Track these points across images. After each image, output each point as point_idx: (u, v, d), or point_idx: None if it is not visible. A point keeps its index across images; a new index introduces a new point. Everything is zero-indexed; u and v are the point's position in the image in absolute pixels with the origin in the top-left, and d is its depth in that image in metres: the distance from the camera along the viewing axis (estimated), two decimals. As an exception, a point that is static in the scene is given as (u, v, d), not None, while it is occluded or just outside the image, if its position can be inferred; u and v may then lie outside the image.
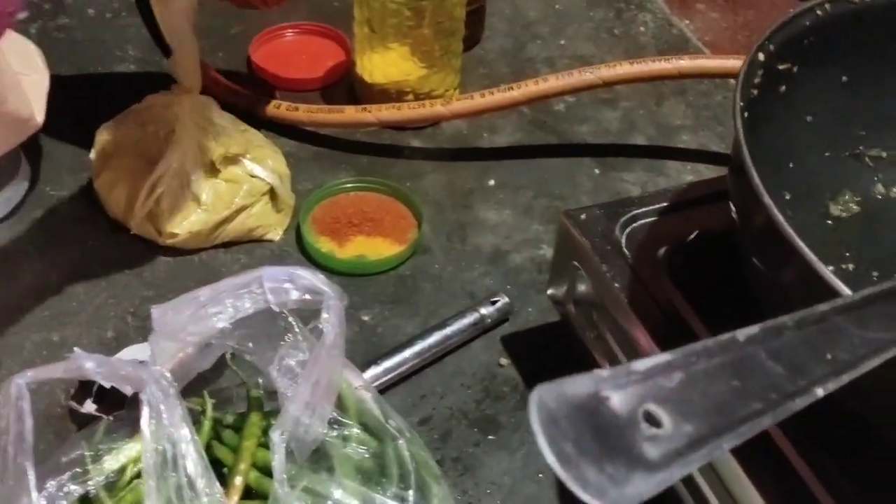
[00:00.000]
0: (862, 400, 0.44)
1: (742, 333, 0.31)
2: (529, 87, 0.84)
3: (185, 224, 0.75)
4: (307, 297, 0.53)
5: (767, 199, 0.43)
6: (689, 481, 0.53)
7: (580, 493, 0.23)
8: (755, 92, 0.53)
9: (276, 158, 0.80)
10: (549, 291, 0.69)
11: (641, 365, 0.28)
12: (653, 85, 0.96)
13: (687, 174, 0.88)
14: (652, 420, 0.27)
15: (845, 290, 0.40)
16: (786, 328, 0.33)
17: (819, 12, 0.56)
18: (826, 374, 0.32)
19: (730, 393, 0.29)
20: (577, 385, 0.26)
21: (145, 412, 0.48)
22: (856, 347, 0.34)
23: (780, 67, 0.56)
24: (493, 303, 0.72)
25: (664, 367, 0.28)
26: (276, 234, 0.79)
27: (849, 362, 0.33)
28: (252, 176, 0.77)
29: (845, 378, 0.32)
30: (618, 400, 0.26)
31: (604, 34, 1.04)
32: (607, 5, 1.08)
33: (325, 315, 0.52)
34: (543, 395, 0.25)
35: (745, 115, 0.50)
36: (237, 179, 0.76)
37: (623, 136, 0.92)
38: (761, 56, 0.53)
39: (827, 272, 0.40)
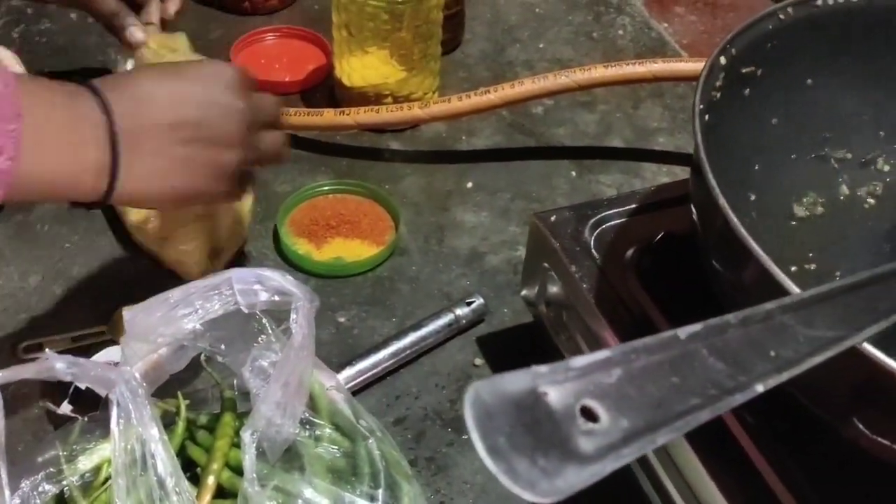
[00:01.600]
0: (811, 397, 0.45)
1: (684, 331, 0.32)
2: (506, 91, 0.85)
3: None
4: (276, 298, 0.54)
5: (722, 201, 0.44)
6: (649, 471, 0.54)
7: (510, 485, 0.24)
8: (717, 95, 0.54)
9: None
10: (523, 293, 0.69)
11: (580, 361, 0.29)
12: (630, 88, 0.97)
13: (663, 176, 0.89)
14: (589, 415, 0.27)
15: (795, 290, 0.40)
16: (729, 326, 0.34)
17: (781, 16, 0.57)
18: (768, 370, 0.33)
19: (668, 389, 0.30)
20: (515, 381, 0.27)
21: (114, 412, 0.48)
22: (800, 345, 0.35)
23: (744, 71, 0.57)
24: (469, 304, 0.73)
25: (603, 364, 0.29)
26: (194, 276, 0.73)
27: (791, 360, 0.34)
28: None
29: (786, 375, 0.33)
30: (555, 395, 0.27)
31: (582, 37, 1.05)
32: (586, 9, 1.09)
33: (293, 316, 0.53)
34: (480, 391, 0.26)
35: (707, 117, 0.51)
36: None
37: (600, 139, 0.93)
38: (723, 60, 0.54)
39: (778, 272, 0.41)
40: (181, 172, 0.56)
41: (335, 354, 0.70)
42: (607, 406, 0.28)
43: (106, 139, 0.52)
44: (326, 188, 0.83)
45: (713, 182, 0.45)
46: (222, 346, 0.56)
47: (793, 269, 0.59)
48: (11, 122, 0.46)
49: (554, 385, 0.27)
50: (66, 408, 0.62)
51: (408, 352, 0.70)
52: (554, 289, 0.64)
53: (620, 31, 1.07)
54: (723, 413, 0.30)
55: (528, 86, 0.84)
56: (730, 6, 1.13)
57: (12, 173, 0.47)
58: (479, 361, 0.72)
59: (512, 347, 0.73)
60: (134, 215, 0.75)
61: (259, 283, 0.52)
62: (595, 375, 0.28)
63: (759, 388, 0.32)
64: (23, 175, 0.48)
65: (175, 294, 0.52)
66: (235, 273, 0.52)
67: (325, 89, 0.95)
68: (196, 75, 0.58)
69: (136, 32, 0.73)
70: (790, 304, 0.37)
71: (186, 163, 0.56)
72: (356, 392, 0.67)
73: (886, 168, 0.65)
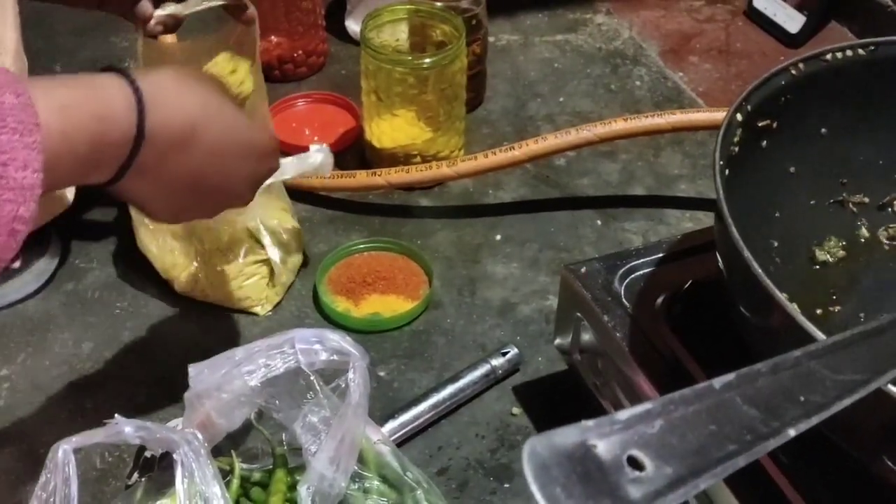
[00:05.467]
0: (841, 436, 0.47)
1: (718, 381, 0.35)
2: (530, 146, 0.88)
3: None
4: (335, 357, 0.57)
5: (747, 254, 0.47)
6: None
7: (569, 531, 0.27)
8: (736, 149, 0.57)
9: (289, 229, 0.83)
10: (557, 341, 0.72)
11: (624, 414, 0.31)
12: (650, 137, 1.00)
13: (686, 221, 0.92)
14: (635, 464, 0.30)
15: (820, 336, 0.43)
16: (760, 374, 0.36)
17: (793, 72, 0.60)
18: (798, 415, 0.35)
19: (707, 436, 0.32)
20: (567, 435, 0.29)
21: (179, 472, 0.51)
22: (827, 390, 0.37)
23: (760, 124, 0.60)
24: (504, 354, 0.76)
25: (645, 415, 0.31)
26: (262, 310, 0.81)
27: (820, 404, 0.36)
28: (258, 241, 0.80)
29: (815, 419, 0.35)
30: (603, 447, 0.30)
31: (601, 90, 1.09)
32: (603, 61, 1.13)
33: (351, 375, 0.56)
34: (536, 446, 0.28)
35: (727, 172, 0.54)
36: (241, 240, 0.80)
37: (623, 188, 0.96)
38: (739, 117, 0.57)
39: (804, 320, 0.43)
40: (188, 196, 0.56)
41: (378, 408, 0.72)
42: (651, 455, 0.30)
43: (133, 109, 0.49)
44: (361, 246, 0.87)
45: (737, 236, 0.47)
46: (277, 402, 0.59)
47: (818, 311, 0.61)
48: (32, 134, 0.43)
49: (602, 438, 0.30)
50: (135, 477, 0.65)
51: (447, 403, 0.73)
52: (587, 337, 0.67)
53: (637, 82, 1.10)
54: (758, 457, 0.32)
55: (551, 141, 0.88)
56: (742, 53, 1.16)
57: (40, 185, 0.45)
58: (516, 410, 0.74)
59: (548, 395, 0.75)
60: (180, 281, 0.79)
61: (319, 343, 0.55)
62: (638, 427, 0.31)
63: (791, 432, 0.34)
64: (48, 181, 0.45)
65: (239, 352, 0.55)
66: (298, 333, 0.55)
67: (355, 151, 0.98)
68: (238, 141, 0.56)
69: (147, 6, 0.66)
70: (816, 351, 0.39)
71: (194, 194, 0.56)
72: (399, 444, 0.69)
73: (903, 210, 0.68)
